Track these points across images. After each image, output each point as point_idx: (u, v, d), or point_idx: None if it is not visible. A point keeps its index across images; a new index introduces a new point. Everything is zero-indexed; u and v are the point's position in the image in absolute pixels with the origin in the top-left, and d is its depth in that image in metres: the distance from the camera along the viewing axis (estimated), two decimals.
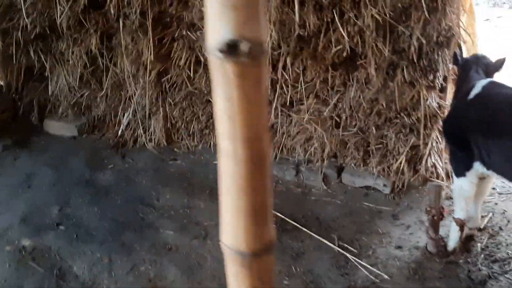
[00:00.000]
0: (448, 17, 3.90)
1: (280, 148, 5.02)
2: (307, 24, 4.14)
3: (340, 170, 4.80)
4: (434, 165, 4.60)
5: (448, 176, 4.75)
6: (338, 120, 4.68)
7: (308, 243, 3.88)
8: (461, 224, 3.65)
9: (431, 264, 3.65)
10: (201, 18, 4.73)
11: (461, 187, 3.54)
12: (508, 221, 4.20)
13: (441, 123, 4.00)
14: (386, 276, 3.52)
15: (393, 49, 4.13)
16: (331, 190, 4.70)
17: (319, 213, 4.34)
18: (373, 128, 4.55)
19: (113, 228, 3.99)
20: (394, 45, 4.11)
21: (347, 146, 4.70)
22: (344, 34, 4.05)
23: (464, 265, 3.64)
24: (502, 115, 3.10)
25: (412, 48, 4.06)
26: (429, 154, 4.53)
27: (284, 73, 4.62)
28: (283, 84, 4.72)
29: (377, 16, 3.92)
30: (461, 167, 3.49)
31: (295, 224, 4.11)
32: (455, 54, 3.67)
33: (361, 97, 4.45)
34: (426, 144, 4.45)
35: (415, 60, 4.12)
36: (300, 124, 4.83)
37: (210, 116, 5.21)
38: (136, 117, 5.53)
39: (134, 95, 5.44)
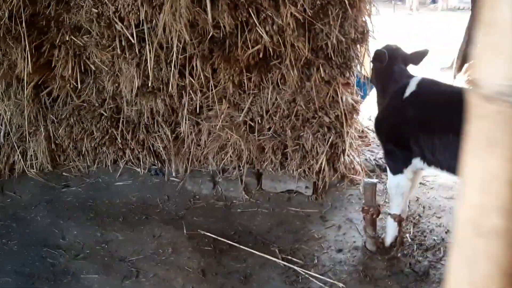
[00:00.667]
0: (364, 13, 3.91)
1: (191, 160, 4.64)
2: (222, 24, 3.83)
3: (259, 176, 4.60)
4: (351, 162, 4.65)
5: (366, 172, 4.86)
6: (252, 124, 4.46)
7: (251, 262, 3.61)
8: (400, 220, 3.70)
9: (376, 263, 3.64)
10: (90, 20, 4.11)
11: (398, 184, 3.56)
12: (424, 207, 4.41)
13: (373, 123, 4.00)
14: (340, 284, 3.41)
15: (311, 48, 4.03)
16: (254, 199, 4.48)
17: (250, 226, 4.09)
18: (289, 130, 4.42)
19: (19, 284, 3.25)
20: (312, 44, 4.01)
21: (265, 150, 4.50)
22: (262, 33, 3.82)
23: (403, 258, 3.70)
24: (444, 112, 3.11)
25: (330, 46, 4.00)
26: (346, 151, 4.56)
27: (193, 78, 4.25)
28: (191, 90, 4.34)
29: (297, 14, 3.77)
30: (399, 164, 3.49)
31: (230, 242, 3.81)
32: (380, 51, 3.68)
33: (278, 99, 4.28)
34: (344, 142, 4.46)
35: (332, 57, 4.08)
36: (212, 132, 4.50)
37: (106, 132, 4.60)
38: (10, 141, 4.66)
39: (5, 114, 4.57)
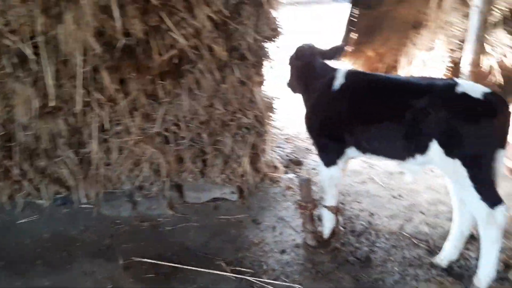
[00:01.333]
0: (275, 9, 3.90)
1: (102, 182, 4.24)
2: (132, 30, 3.53)
3: (181, 189, 4.37)
4: (271, 160, 4.65)
5: (286, 167, 4.90)
6: (168, 135, 4.22)
7: (201, 281, 3.41)
8: (337, 210, 3.78)
9: (321, 258, 3.69)
10: None
11: (332, 176, 3.62)
12: (344, 195, 4.59)
13: (304, 120, 3.98)
14: (296, 286, 3.39)
15: (226, 49, 3.92)
16: (180, 213, 4.25)
17: (185, 242, 3.87)
18: (207, 136, 4.27)
19: None
20: (227, 45, 3.90)
21: (183, 161, 4.29)
22: (178, 37, 3.61)
23: (343, 248, 3.81)
24: (378, 100, 3.24)
25: (245, 45, 3.93)
26: (266, 150, 4.55)
27: (99, 92, 3.87)
28: (98, 105, 3.95)
29: (212, 15, 3.63)
30: (332, 156, 3.55)
31: (172, 264, 3.56)
32: (302, 48, 3.70)
33: (194, 105, 4.09)
34: (264, 141, 4.44)
35: (247, 57, 4.01)
36: (124, 148, 4.16)
37: None
38: None
39: None
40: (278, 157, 5.09)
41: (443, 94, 3.01)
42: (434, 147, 3.03)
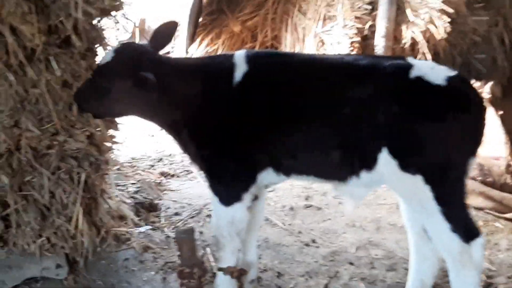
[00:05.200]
0: None
1: None
2: None
3: None
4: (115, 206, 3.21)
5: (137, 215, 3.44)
6: None
7: None
8: (240, 273, 2.58)
9: None
10: None
11: (234, 219, 2.60)
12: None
13: (187, 134, 2.65)
14: None
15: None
16: None
17: None
18: (6, 178, 2.73)
19: None
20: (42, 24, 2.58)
21: None
22: None
23: None
24: (302, 93, 2.47)
25: (69, 24, 2.57)
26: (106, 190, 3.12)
27: None
28: None
29: None
30: (236, 187, 2.59)
31: None
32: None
33: None
34: (104, 176, 3.00)
35: (74, 43, 2.64)
36: None
37: None
38: None
39: None
40: (124, 199, 3.61)
41: (392, 81, 2.39)
42: (384, 158, 2.36)
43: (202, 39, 5.13)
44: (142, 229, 3.42)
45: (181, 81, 2.59)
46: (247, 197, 2.59)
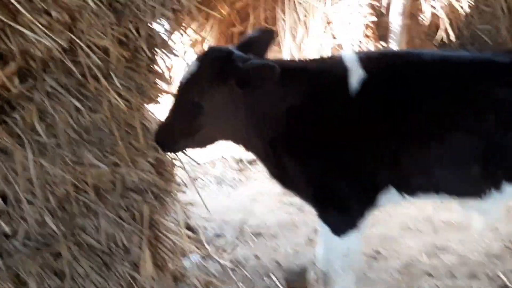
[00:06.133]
0: None
1: None
2: None
3: None
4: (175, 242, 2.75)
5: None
6: None
7: None
8: None
9: None
10: None
11: (349, 250, 2.29)
12: None
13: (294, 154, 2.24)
14: None
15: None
16: None
17: None
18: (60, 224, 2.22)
19: None
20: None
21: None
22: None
23: None
24: (437, 96, 2.20)
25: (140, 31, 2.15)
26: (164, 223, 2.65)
27: None
28: None
29: None
30: (352, 213, 2.28)
31: None
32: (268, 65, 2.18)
33: (43, 163, 2.01)
34: (166, 209, 2.55)
35: (143, 52, 2.19)
36: None
37: None
38: None
39: None
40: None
41: None
42: None
43: (187, 26, 4.57)
44: (192, 259, 2.98)
45: (285, 89, 2.22)
46: (361, 225, 2.29)
